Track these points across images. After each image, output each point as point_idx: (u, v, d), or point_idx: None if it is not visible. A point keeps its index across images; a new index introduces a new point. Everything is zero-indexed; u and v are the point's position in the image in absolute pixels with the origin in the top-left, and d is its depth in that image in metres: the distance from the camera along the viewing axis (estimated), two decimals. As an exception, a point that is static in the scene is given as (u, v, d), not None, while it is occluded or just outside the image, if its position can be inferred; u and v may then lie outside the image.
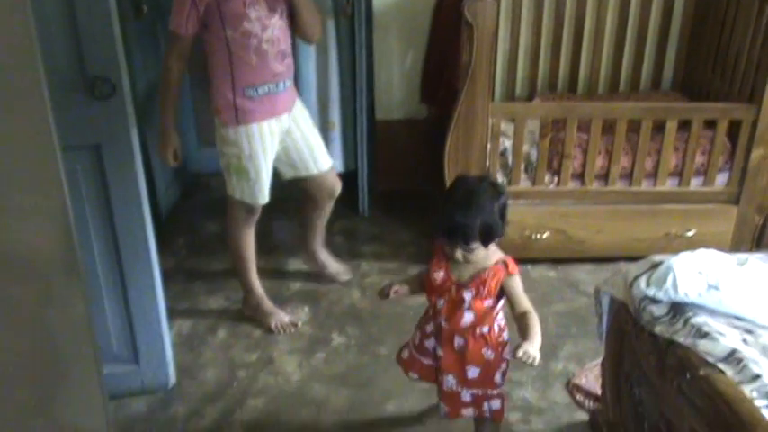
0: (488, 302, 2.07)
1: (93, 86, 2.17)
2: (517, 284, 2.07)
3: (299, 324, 3.08)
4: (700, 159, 3.42)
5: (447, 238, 2.01)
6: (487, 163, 3.36)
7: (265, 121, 2.77)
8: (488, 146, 3.33)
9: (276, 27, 2.69)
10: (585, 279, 3.43)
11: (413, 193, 3.98)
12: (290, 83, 2.84)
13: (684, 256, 1.99)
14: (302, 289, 3.39)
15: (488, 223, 1.97)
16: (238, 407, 2.62)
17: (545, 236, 3.48)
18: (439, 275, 2.09)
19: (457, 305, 2.08)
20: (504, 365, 2.18)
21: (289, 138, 2.91)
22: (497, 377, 2.18)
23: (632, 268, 2.11)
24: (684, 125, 3.36)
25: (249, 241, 3.05)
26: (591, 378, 2.72)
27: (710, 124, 3.37)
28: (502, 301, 2.12)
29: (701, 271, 1.91)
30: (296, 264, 3.57)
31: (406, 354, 2.37)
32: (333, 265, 3.41)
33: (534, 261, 3.56)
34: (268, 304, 3.12)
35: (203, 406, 2.63)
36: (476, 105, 3.23)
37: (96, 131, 2.25)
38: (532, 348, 1.92)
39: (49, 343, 1.25)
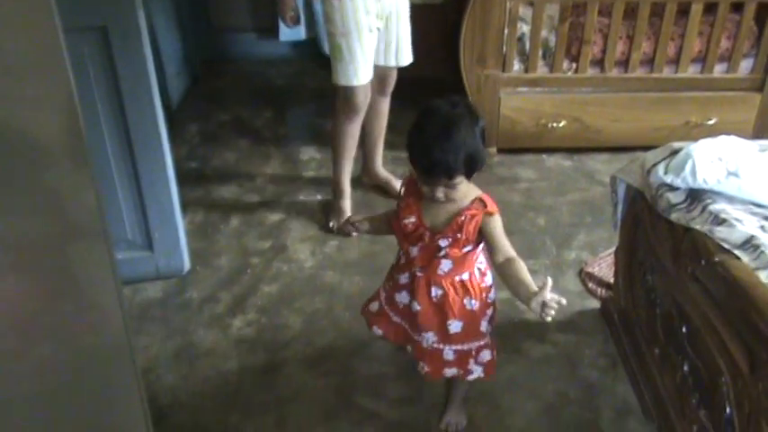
0: (467, 248, 1.84)
1: (96, -36, 2.11)
2: (498, 226, 1.81)
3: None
4: (724, 44, 3.32)
5: (428, 177, 1.74)
6: (504, 49, 3.27)
7: None
8: (505, 31, 3.24)
9: None
10: (601, 169, 3.39)
11: (427, 80, 3.89)
12: None
13: (704, 142, 1.94)
14: (315, 177, 3.38)
15: (472, 152, 1.71)
16: (252, 293, 2.66)
17: (561, 124, 3.42)
18: (410, 221, 1.84)
19: (432, 253, 1.85)
20: (489, 312, 1.96)
21: (388, 23, 2.81)
22: (483, 326, 1.95)
23: (650, 155, 2.07)
24: (710, 8, 3.23)
25: (346, 136, 2.95)
26: (604, 267, 2.73)
27: (738, 7, 3.25)
28: (482, 244, 1.88)
29: (720, 157, 1.87)
30: (309, 152, 3.55)
31: (375, 306, 2.12)
32: (396, 182, 3.23)
33: (550, 150, 3.52)
34: (345, 203, 3.05)
35: (217, 292, 2.67)
36: (493, -12, 3.12)
37: (102, 12, 2.18)
38: (549, 294, 1.68)
39: (60, 231, 1.24)
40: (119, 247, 2.55)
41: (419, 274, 1.89)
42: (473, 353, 1.96)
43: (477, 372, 1.99)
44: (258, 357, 2.38)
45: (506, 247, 1.80)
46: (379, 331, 2.11)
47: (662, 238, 1.97)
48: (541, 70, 3.37)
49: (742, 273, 1.58)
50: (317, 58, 4.43)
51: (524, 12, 3.35)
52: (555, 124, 3.41)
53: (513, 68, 3.35)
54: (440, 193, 1.75)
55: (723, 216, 1.77)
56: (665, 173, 1.93)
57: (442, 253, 1.83)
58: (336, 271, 2.76)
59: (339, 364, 2.35)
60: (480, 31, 3.21)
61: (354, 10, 2.67)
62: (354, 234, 2.07)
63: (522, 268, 1.76)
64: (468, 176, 1.76)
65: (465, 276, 1.88)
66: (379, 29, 2.78)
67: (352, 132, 2.95)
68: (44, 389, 1.17)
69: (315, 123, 3.79)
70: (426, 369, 1.99)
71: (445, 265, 1.84)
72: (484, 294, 1.92)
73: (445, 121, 1.72)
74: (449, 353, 1.95)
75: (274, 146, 3.63)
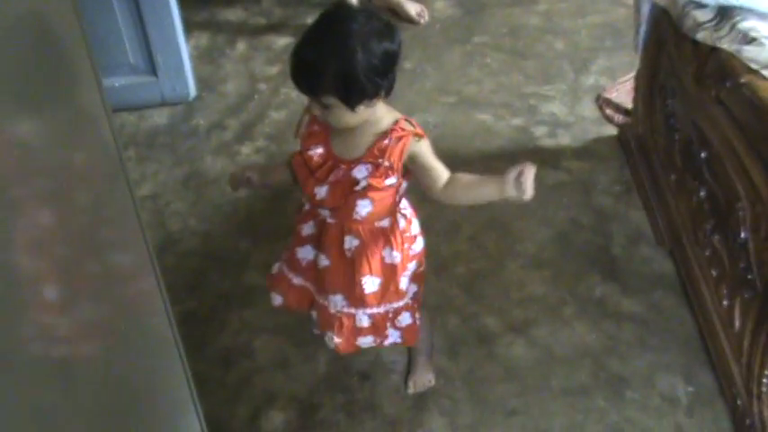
0: (391, 180, 1.46)
1: None
2: (429, 151, 1.47)
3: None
4: None
5: (294, 81, 1.39)
6: None
7: None
8: None
9: None
10: (625, -12, 3.21)
11: None
12: None
13: (740, -47, 1.79)
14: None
15: (346, 71, 1.32)
16: (260, 120, 2.60)
17: (585, -60, 3.20)
18: (316, 152, 1.47)
19: (346, 189, 1.46)
20: (412, 266, 1.61)
21: None
22: (403, 283, 1.59)
23: (679, -31, 1.92)
24: None
25: None
26: (622, 92, 2.63)
27: None
28: (405, 184, 1.53)
29: (756, -30, 1.73)
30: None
31: (275, 267, 1.70)
32: (408, 4, 3.09)
33: (572, -31, 3.32)
34: None
35: (225, 118, 2.61)
36: None
37: None
38: (513, 173, 1.44)
39: (43, 50, 1.17)
40: (120, 72, 2.49)
41: (330, 220, 1.53)
42: (390, 315, 1.62)
43: (393, 336, 1.66)
44: (267, 184, 2.36)
45: (445, 171, 1.48)
46: (277, 299, 1.69)
47: (686, 59, 1.86)
48: None
49: (769, 94, 1.50)
50: None
51: None
52: (578, -60, 3.20)
53: None
54: (316, 110, 1.41)
55: (753, 34, 1.65)
56: (695, -13, 1.80)
57: (360, 186, 1.45)
58: (346, 95, 2.69)
59: (349, 191, 2.33)
60: None
61: None
62: (246, 184, 1.66)
63: (468, 175, 1.48)
64: (347, 103, 1.36)
65: (386, 223, 1.53)
66: None
67: None
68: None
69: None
70: (336, 340, 1.62)
71: (362, 207, 1.47)
72: (407, 245, 1.58)
73: (339, 23, 1.35)
74: (362, 318, 1.60)
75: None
